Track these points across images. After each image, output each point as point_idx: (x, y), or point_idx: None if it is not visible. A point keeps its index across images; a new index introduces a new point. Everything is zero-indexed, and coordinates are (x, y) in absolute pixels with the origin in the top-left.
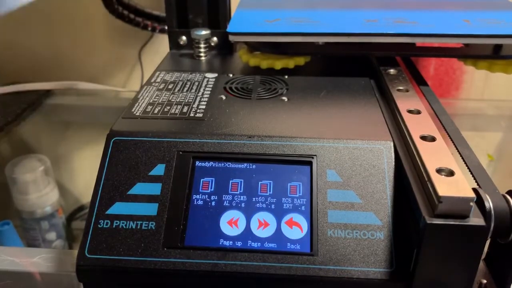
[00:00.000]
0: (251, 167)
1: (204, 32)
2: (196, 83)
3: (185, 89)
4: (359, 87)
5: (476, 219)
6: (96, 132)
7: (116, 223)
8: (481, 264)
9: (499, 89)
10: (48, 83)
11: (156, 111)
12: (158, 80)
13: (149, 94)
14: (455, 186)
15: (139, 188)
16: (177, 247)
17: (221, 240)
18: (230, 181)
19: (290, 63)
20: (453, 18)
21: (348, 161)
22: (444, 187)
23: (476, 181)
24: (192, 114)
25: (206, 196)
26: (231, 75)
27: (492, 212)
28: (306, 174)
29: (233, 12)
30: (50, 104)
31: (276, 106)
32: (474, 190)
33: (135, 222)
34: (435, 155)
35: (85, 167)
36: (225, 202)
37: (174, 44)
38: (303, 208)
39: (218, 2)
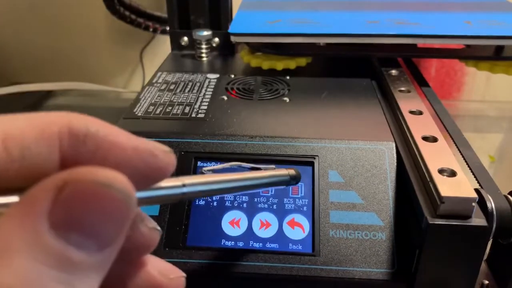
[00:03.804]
0: None
1: (206, 33)
2: (198, 84)
3: (187, 89)
4: (360, 88)
5: (478, 220)
6: None
7: None
8: (483, 265)
9: (500, 91)
10: (49, 84)
11: (157, 112)
12: (160, 80)
13: (150, 95)
14: (457, 187)
15: None
16: (179, 247)
17: (223, 241)
18: None
19: (292, 64)
20: (455, 20)
21: (350, 161)
22: (446, 188)
23: (478, 182)
24: (193, 115)
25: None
26: (232, 76)
27: (494, 212)
28: (308, 175)
29: (234, 13)
30: (51, 105)
31: (278, 106)
32: (476, 190)
33: None
34: (437, 156)
35: None
36: (227, 202)
37: (175, 45)
38: (305, 208)
39: (219, 3)
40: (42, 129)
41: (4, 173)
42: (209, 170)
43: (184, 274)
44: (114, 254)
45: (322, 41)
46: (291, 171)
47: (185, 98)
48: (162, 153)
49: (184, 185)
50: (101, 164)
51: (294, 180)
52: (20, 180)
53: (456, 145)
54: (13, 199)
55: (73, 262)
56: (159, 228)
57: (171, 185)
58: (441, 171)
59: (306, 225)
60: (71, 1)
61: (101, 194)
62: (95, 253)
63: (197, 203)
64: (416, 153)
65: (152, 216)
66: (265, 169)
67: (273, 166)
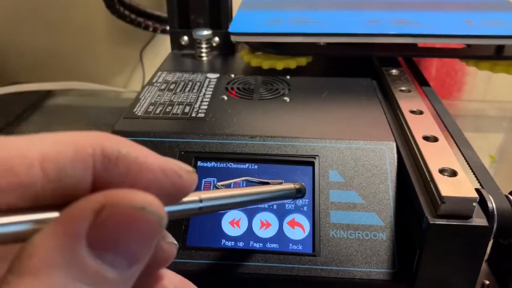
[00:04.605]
0: (253, 167)
1: (206, 32)
2: (198, 83)
3: (187, 89)
4: (361, 87)
5: (479, 220)
6: None
7: None
8: (484, 265)
9: (501, 91)
10: (49, 84)
11: (157, 111)
12: (160, 80)
13: (150, 94)
14: (457, 187)
15: None
16: (179, 248)
17: (223, 241)
18: None
19: (292, 63)
20: (455, 19)
21: (350, 161)
22: (446, 188)
23: (479, 182)
24: (194, 114)
25: None
26: (232, 76)
27: (495, 212)
28: (308, 175)
29: (234, 12)
30: (51, 105)
31: (278, 106)
32: (477, 190)
33: None
34: (437, 156)
35: None
36: None
37: (175, 44)
38: (305, 208)
39: (219, 2)
40: (77, 151)
41: (40, 192)
42: (222, 185)
43: None
44: (141, 269)
45: (323, 40)
46: (297, 185)
47: (185, 98)
48: (186, 173)
49: (201, 200)
50: (132, 185)
51: (299, 193)
52: (54, 198)
53: (456, 145)
54: (53, 215)
55: (107, 279)
56: (176, 242)
57: (190, 200)
58: (441, 171)
59: (307, 225)
60: (70, 1)
61: (137, 217)
62: (125, 270)
63: None
64: (417, 152)
65: None
66: (273, 183)
67: (281, 180)
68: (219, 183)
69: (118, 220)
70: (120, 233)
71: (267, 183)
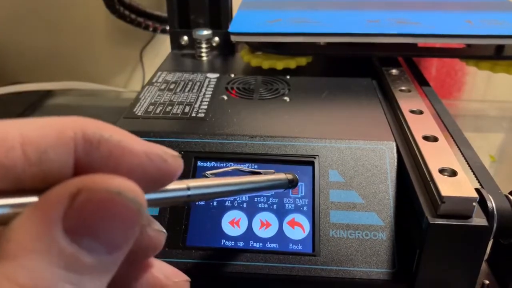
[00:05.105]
0: (253, 167)
1: (206, 32)
2: (198, 83)
3: (187, 89)
4: (361, 87)
5: (478, 219)
6: None
7: None
8: (484, 265)
9: (501, 91)
10: (49, 84)
11: (157, 111)
12: (160, 80)
13: (150, 94)
14: (457, 186)
15: None
16: (179, 247)
17: (223, 240)
18: None
19: (292, 63)
20: (455, 19)
21: (350, 161)
22: (446, 187)
23: (479, 182)
24: (193, 114)
25: None
26: (232, 75)
27: (495, 212)
28: (308, 174)
29: (234, 12)
30: (51, 105)
31: (278, 106)
32: (477, 190)
33: None
34: (437, 155)
35: None
36: (227, 202)
37: (175, 44)
38: (305, 208)
39: (219, 2)
40: (58, 134)
41: (21, 175)
42: (212, 174)
43: (188, 278)
44: (122, 257)
45: (323, 40)
46: (289, 175)
47: (185, 98)
48: (171, 158)
49: (189, 188)
50: (114, 169)
51: (291, 183)
52: (36, 182)
53: (456, 144)
54: (32, 199)
55: (84, 264)
56: (164, 230)
57: (177, 187)
58: (441, 171)
59: (306, 225)
60: (70, 1)
61: (113, 202)
62: (104, 256)
63: (197, 203)
64: (417, 152)
65: (152, 216)
66: (265, 173)
67: (272, 170)
68: (208, 172)
69: (94, 205)
70: (96, 218)
71: (259, 173)
